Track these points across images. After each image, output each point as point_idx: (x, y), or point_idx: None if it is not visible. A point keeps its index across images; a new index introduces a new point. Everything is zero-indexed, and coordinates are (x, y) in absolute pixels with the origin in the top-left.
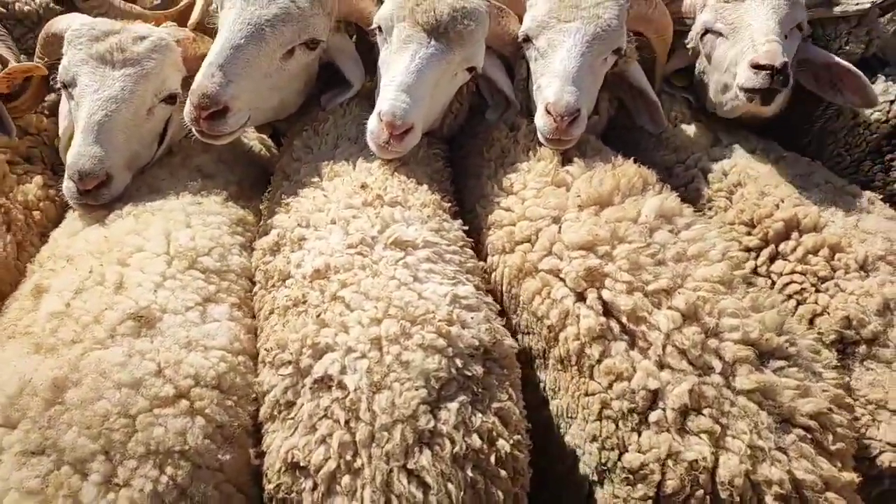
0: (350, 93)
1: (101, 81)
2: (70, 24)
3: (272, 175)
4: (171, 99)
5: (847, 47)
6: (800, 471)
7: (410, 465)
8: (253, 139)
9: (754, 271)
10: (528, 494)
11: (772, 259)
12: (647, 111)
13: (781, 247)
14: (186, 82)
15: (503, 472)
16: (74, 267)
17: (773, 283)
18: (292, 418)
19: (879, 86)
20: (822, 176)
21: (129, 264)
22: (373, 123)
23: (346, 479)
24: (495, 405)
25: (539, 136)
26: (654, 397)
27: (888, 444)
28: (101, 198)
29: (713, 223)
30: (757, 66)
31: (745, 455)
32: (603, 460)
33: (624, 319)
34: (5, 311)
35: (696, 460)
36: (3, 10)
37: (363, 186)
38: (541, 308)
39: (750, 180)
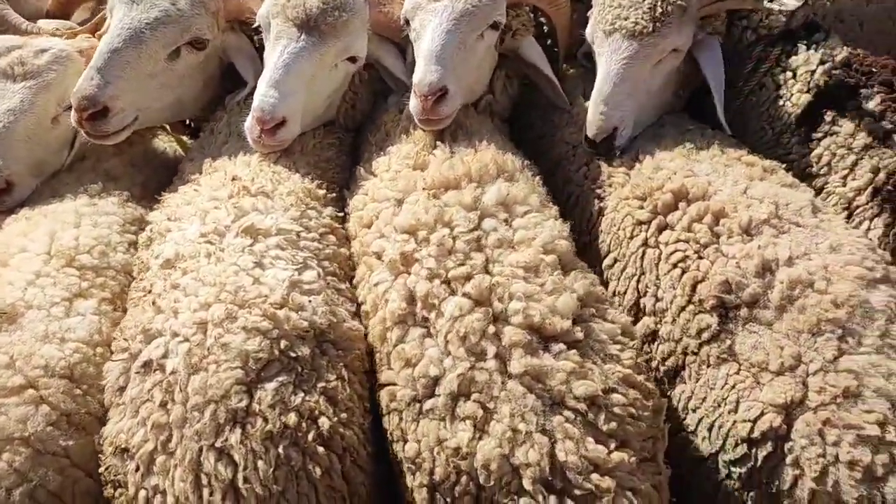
0: (246, 90)
1: (1, 95)
2: None
3: None
4: None
5: (768, 20)
6: (562, 452)
7: (219, 444)
8: (167, 142)
9: (644, 243)
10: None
11: (660, 230)
12: (548, 88)
13: (669, 217)
14: None
15: (321, 449)
16: None
17: (661, 252)
18: (122, 403)
19: (801, 56)
20: (720, 146)
21: (9, 265)
22: (248, 120)
23: (160, 459)
24: (321, 384)
25: (414, 118)
26: (434, 385)
27: (770, 405)
28: (3, 204)
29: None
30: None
31: (505, 438)
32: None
33: (419, 306)
34: None
35: (459, 447)
36: None
37: (234, 179)
38: (361, 294)
39: (647, 155)
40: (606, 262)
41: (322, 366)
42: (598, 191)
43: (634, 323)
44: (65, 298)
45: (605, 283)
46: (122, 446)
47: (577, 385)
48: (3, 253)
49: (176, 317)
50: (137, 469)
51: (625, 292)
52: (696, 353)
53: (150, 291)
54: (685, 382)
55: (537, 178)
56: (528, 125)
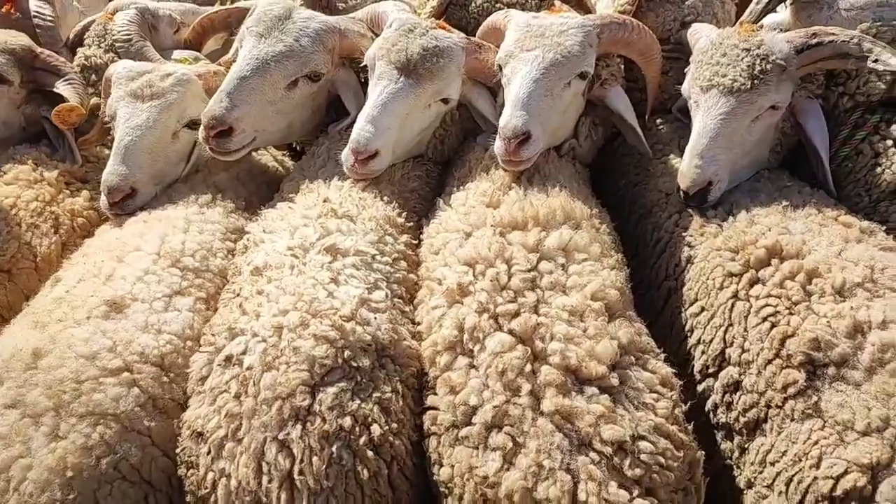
0: (347, 120)
1: (131, 113)
2: (116, 68)
3: None
4: (193, 125)
5: (866, 87)
6: (583, 493)
7: (281, 437)
8: (271, 160)
9: (735, 295)
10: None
11: (751, 284)
12: (633, 137)
13: (762, 273)
14: None
15: (370, 454)
16: (85, 262)
17: (751, 306)
18: (203, 391)
19: None
20: (816, 205)
21: (124, 261)
22: (345, 150)
23: (229, 445)
24: (377, 394)
25: (497, 158)
26: (472, 413)
27: (854, 463)
28: (126, 208)
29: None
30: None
31: (530, 472)
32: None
33: (466, 337)
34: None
35: (487, 475)
36: (84, 62)
37: (326, 200)
38: (419, 314)
39: (742, 209)
40: (692, 309)
41: (380, 377)
42: (689, 239)
43: (718, 372)
44: (166, 295)
45: (690, 330)
46: (198, 430)
47: (605, 428)
48: (122, 250)
49: (258, 319)
50: (209, 452)
51: (711, 341)
52: (780, 407)
53: (238, 294)
54: (765, 435)
55: (604, 225)
56: (623, 172)
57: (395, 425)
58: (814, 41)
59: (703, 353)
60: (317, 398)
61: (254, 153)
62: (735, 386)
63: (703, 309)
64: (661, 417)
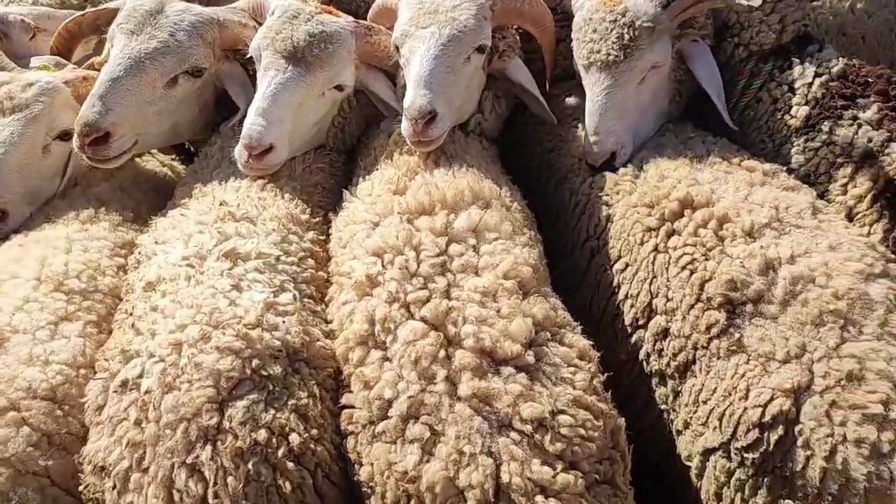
0: (238, 116)
1: None
2: None
3: None
4: (65, 136)
5: (758, 37)
6: (506, 474)
7: (190, 461)
8: (157, 165)
9: (655, 248)
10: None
11: (668, 235)
12: (536, 107)
13: (676, 224)
14: None
15: (291, 465)
16: None
17: (670, 257)
18: (100, 422)
19: (796, 70)
20: (720, 153)
21: (0, 290)
22: (238, 146)
23: (135, 476)
24: (292, 402)
25: (406, 140)
26: (388, 407)
27: (778, 390)
28: None
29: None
30: None
31: (451, 460)
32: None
33: (377, 328)
34: None
35: (406, 470)
36: None
37: (222, 203)
38: (329, 312)
39: (651, 164)
40: (618, 266)
41: (294, 384)
42: (606, 198)
43: (647, 323)
44: (50, 322)
45: (618, 286)
46: (100, 464)
47: (524, 407)
48: None
49: (153, 338)
50: (114, 487)
51: (637, 294)
52: (706, 348)
53: (131, 314)
54: (696, 376)
55: (515, 203)
56: (538, 140)
57: (315, 431)
58: None
59: (631, 306)
60: (226, 414)
61: (138, 159)
62: (664, 333)
63: (627, 265)
64: (579, 390)
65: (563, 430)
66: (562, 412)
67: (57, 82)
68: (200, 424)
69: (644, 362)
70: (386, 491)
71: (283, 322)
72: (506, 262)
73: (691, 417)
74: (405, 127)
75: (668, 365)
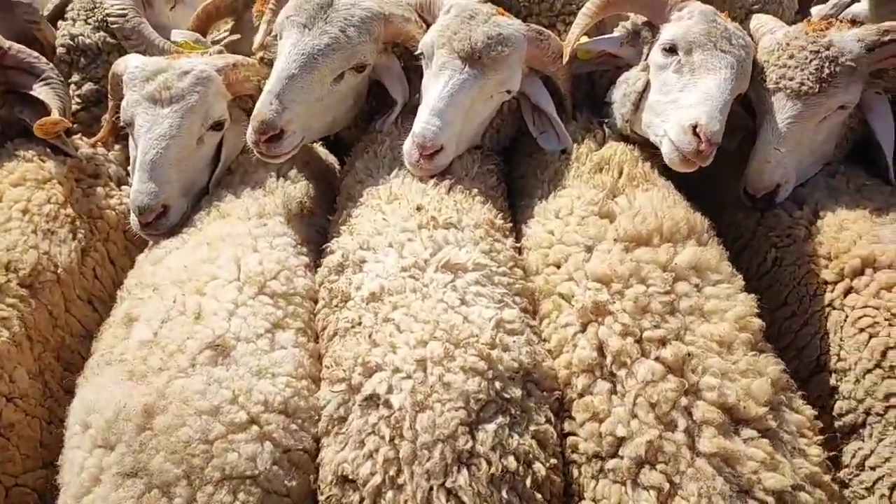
0: (396, 110)
1: (152, 121)
2: (126, 66)
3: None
4: (218, 126)
5: None
6: None
7: (449, 484)
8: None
9: (830, 304)
10: None
11: (846, 293)
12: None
13: (856, 282)
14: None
15: (539, 496)
16: (160, 296)
17: (847, 316)
18: (343, 433)
19: None
20: None
21: (205, 293)
22: (407, 143)
23: (389, 494)
24: (532, 428)
25: (671, 157)
26: (618, 445)
27: None
28: (161, 227)
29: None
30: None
31: None
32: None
33: (608, 361)
34: (100, 337)
35: None
36: (70, 42)
37: (418, 208)
38: (546, 331)
39: (828, 211)
40: (780, 313)
41: (531, 408)
42: (776, 239)
43: (810, 377)
44: (267, 330)
45: (778, 333)
46: (346, 475)
47: (766, 476)
48: (196, 281)
49: (395, 352)
50: (362, 500)
51: (803, 347)
52: (881, 416)
53: (359, 323)
54: (863, 441)
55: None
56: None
57: (553, 461)
58: (886, 38)
59: (794, 357)
60: (477, 438)
61: None
62: (830, 393)
63: (793, 314)
64: (815, 466)
65: None
66: (800, 488)
67: (210, 71)
68: (455, 447)
69: None
70: None
71: (514, 341)
72: (737, 309)
73: (851, 479)
74: (688, 140)
75: (830, 424)
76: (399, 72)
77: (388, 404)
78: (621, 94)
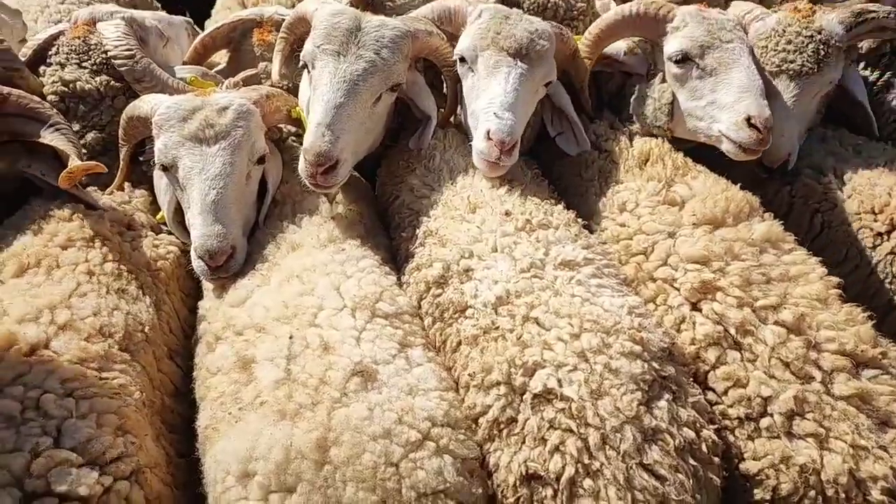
0: (432, 125)
1: (202, 161)
2: (155, 107)
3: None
4: (261, 160)
5: None
6: None
7: (646, 461)
8: None
9: (891, 251)
10: None
11: None
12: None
13: None
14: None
15: (716, 459)
16: (274, 335)
17: None
18: (517, 433)
19: None
20: None
21: (319, 325)
22: (481, 144)
23: (587, 482)
24: (691, 399)
25: (734, 153)
26: (766, 405)
27: None
28: (230, 269)
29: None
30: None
31: (848, 454)
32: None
33: (732, 331)
34: (211, 387)
35: (806, 463)
36: (64, 88)
37: (507, 213)
38: (655, 314)
39: (849, 172)
40: (843, 269)
41: (684, 381)
42: (816, 206)
43: (884, 318)
44: (398, 350)
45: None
46: (532, 473)
47: None
48: (303, 315)
49: (551, 349)
50: (556, 494)
51: (874, 294)
52: None
53: (495, 328)
54: None
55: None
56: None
57: (714, 426)
58: (860, 19)
59: (867, 303)
60: (656, 415)
61: None
62: None
63: (857, 266)
64: None
65: None
66: None
67: (248, 104)
68: (642, 426)
69: None
70: (780, 483)
71: (649, 324)
72: (818, 270)
73: None
74: (748, 134)
75: None
76: (425, 86)
77: (563, 397)
78: (652, 109)
